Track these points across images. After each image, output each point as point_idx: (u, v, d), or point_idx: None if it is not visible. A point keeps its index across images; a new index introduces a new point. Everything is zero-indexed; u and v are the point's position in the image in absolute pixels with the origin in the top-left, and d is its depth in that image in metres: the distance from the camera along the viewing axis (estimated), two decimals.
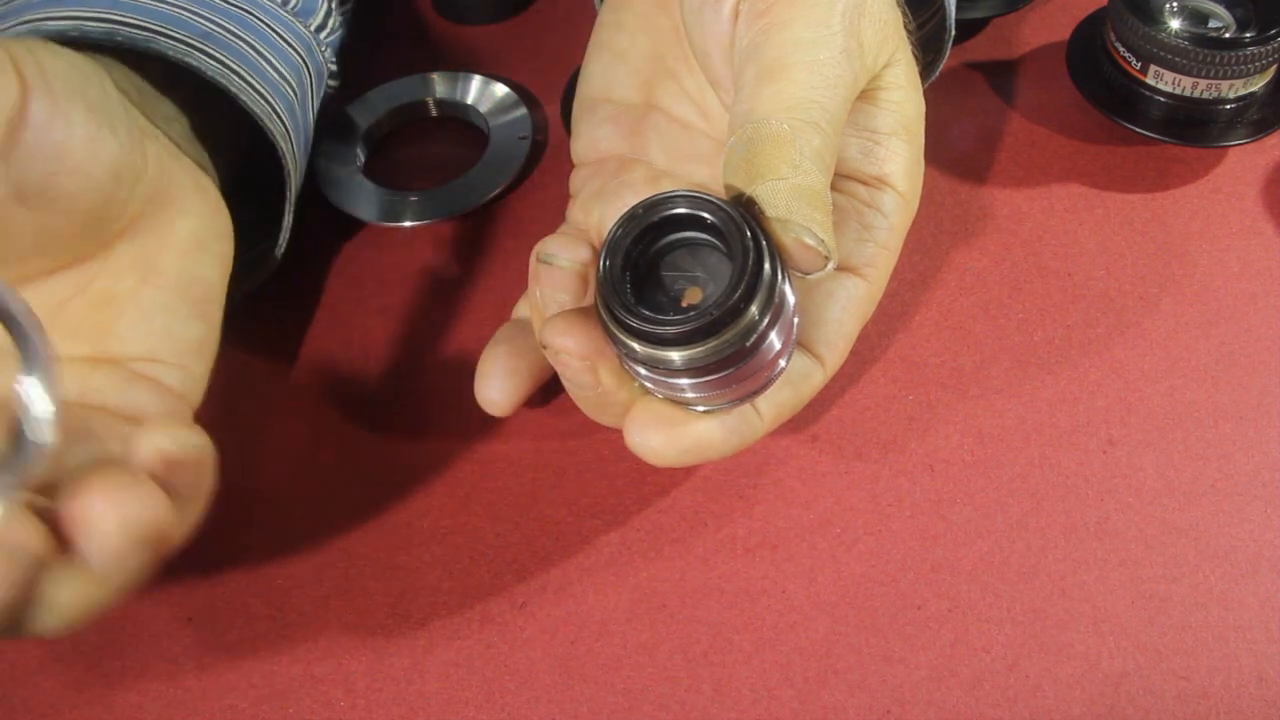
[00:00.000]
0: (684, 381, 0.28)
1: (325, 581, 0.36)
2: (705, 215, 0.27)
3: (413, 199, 0.45)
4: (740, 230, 0.26)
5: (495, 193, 0.45)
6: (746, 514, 0.36)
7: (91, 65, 0.31)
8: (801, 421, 0.38)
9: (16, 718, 0.33)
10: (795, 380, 0.31)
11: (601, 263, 0.28)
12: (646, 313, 0.27)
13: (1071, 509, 0.35)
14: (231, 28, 0.36)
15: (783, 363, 0.29)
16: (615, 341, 0.28)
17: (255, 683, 0.34)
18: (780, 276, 0.27)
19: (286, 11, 0.39)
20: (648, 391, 0.30)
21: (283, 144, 0.37)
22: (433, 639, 0.34)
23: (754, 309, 0.26)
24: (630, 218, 0.28)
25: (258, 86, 0.36)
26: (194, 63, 0.34)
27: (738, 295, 0.26)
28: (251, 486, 0.38)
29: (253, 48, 0.37)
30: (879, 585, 0.34)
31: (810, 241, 0.27)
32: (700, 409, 0.30)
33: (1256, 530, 0.34)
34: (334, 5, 0.43)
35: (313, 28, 0.40)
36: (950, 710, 0.32)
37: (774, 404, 0.31)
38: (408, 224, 0.45)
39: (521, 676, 0.33)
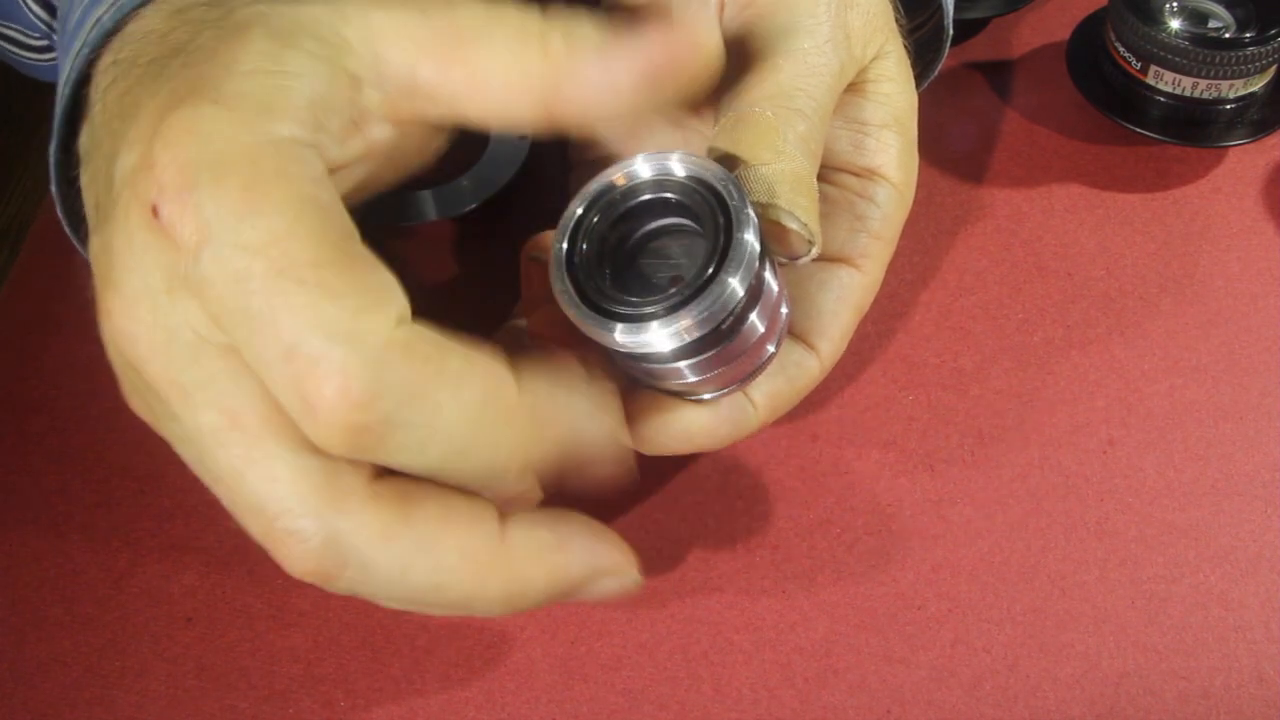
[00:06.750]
0: (668, 367, 0.27)
1: None
2: (672, 196, 0.27)
3: (412, 199, 0.45)
4: (711, 203, 0.26)
5: (495, 192, 0.45)
6: (746, 514, 0.36)
7: None
8: (801, 420, 0.38)
9: (16, 718, 0.33)
10: (789, 370, 0.31)
11: (567, 250, 0.27)
12: (627, 296, 0.26)
13: (1071, 509, 0.35)
14: None
15: (770, 348, 0.29)
16: (592, 333, 0.27)
17: (255, 683, 0.34)
18: (758, 247, 0.26)
19: None
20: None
21: None
22: (433, 639, 0.34)
23: (732, 280, 0.26)
24: (594, 199, 0.27)
25: None
26: None
27: (713, 265, 0.25)
28: None
29: None
30: (879, 585, 0.34)
31: (793, 225, 0.27)
32: (692, 399, 0.30)
33: (1256, 530, 0.34)
34: None
35: None
36: (950, 710, 0.32)
37: (767, 394, 0.31)
38: (407, 224, 0.44)
39: (521, 676, 0.33)
